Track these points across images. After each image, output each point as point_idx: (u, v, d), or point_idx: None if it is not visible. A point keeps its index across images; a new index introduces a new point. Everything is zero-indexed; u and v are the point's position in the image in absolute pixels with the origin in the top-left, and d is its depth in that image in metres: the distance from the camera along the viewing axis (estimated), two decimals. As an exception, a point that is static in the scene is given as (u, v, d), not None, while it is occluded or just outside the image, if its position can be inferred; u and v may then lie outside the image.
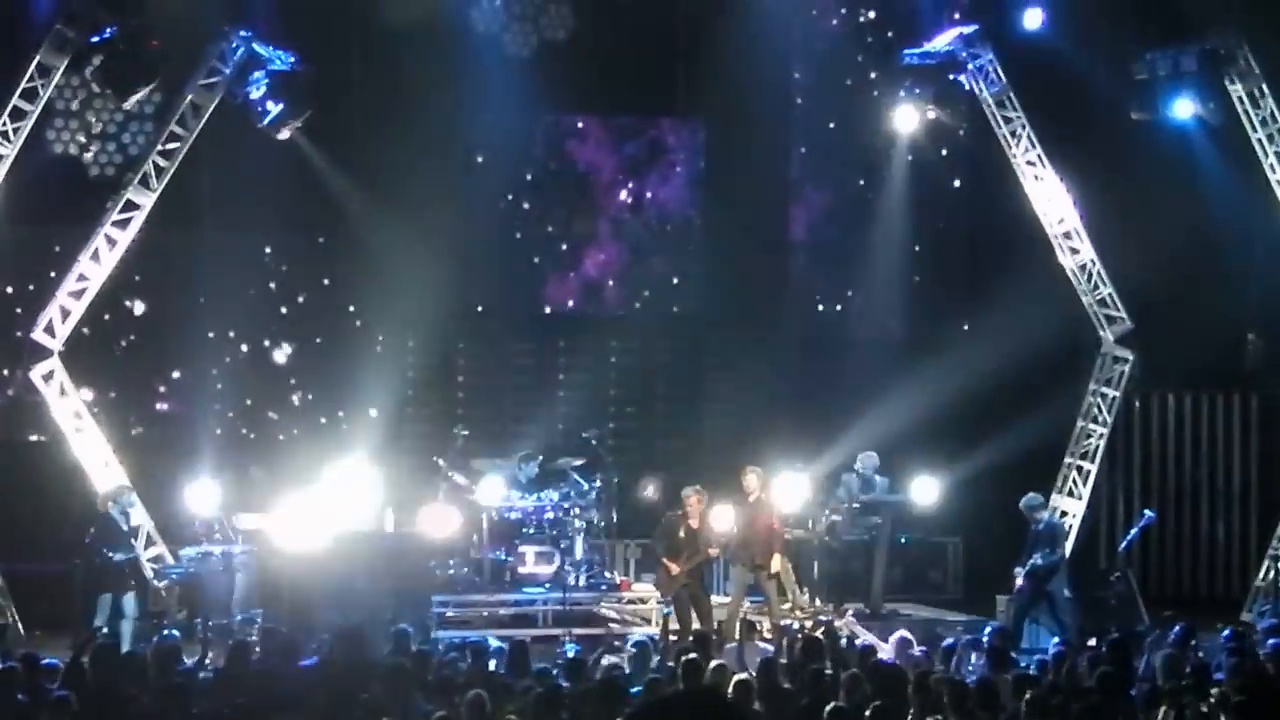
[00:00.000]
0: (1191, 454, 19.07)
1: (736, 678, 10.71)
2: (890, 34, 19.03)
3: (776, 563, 15.69)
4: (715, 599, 16.07)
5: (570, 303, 19.75)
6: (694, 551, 15.38)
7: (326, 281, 18.90)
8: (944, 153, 19.32)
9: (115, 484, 15.89)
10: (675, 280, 19.84)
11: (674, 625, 15.36)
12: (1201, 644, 12.67)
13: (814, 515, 17.08)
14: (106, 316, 17.47)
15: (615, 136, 19.73)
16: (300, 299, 18.88)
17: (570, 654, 12.16)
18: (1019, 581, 15.96)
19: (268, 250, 18.76)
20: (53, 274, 16.92)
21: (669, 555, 15.55)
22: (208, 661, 12.94)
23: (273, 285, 18.81)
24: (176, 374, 18.52)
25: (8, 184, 16.09)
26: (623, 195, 19.78)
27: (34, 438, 17.08)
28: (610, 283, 19.80)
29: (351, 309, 18.95)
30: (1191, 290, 18.14)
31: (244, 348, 18.64)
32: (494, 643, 12.67)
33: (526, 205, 19.47)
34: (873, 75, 19.19)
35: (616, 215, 19.83)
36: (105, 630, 13.79)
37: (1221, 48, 17.00)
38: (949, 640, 12.75)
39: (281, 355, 18.80)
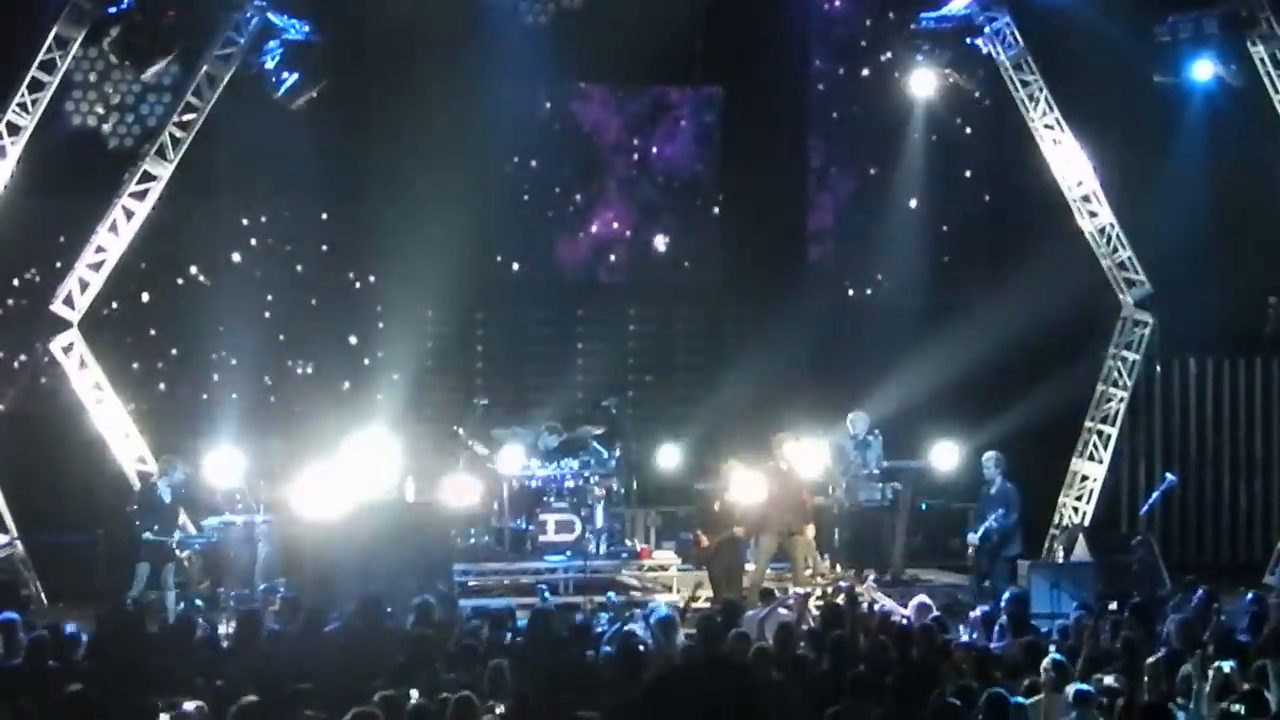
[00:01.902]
0: (1213, 418, 18.99)
1: (756, 645, 10.72)
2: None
3: (810, 529, 15.70)
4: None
5: (581, 263, 19.66)
6: (727, 524, 15.34)
7: (344, 251, 18.90)
8: (962, 117, 19.21)
9: (165, 457, 15.90)
10: (687, 242, 19.77)
11: (706, 592, 15.36)
12: (1224, 607, 12.64)
13: (833, 482, 17.07)
14: (133, 287, 17.44)
15: (620, 95, 19.64)
16: (317, 269, 18.88)
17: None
18: (971, 549, 15.95)
19: (286, 220, 18.76)
20: (70, 245, 16.95)
21: (702, 527, 15.54)
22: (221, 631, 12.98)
23: (290, 255, 18.81)
24: (195, 345, 18.54)
25: (26, 156, 16.10)
26: (629, 153, 19.71)
27: (54, 410, 17.12)
28: (620, 244, 19.74)
29: (370, 279, 18.96)
30: (1212, 253, 18.05)
31: (266, 316, 18.65)
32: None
33: (534, 163, 19.38)
34: (890, 39, 19.08)
35: (623, 174, 19.77)
36: (131, 601, 13.84)
37: (1243, 10, 16.88)
38: (979, 610, 12.77)
39: (300, 326, 18.81)
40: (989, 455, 16.33)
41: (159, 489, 15.35)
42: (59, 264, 16.98)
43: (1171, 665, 10.31)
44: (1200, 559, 18.36)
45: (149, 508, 15.24)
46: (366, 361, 18.81)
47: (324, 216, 18.81)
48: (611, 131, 19.71)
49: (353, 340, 18.95)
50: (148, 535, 14.99)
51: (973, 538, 16.11)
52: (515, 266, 19.46)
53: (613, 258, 19.81)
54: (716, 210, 19.93)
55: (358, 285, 18.99)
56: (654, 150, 19.82)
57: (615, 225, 19.76)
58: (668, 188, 19.84)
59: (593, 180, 19.71)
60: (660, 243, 19.85)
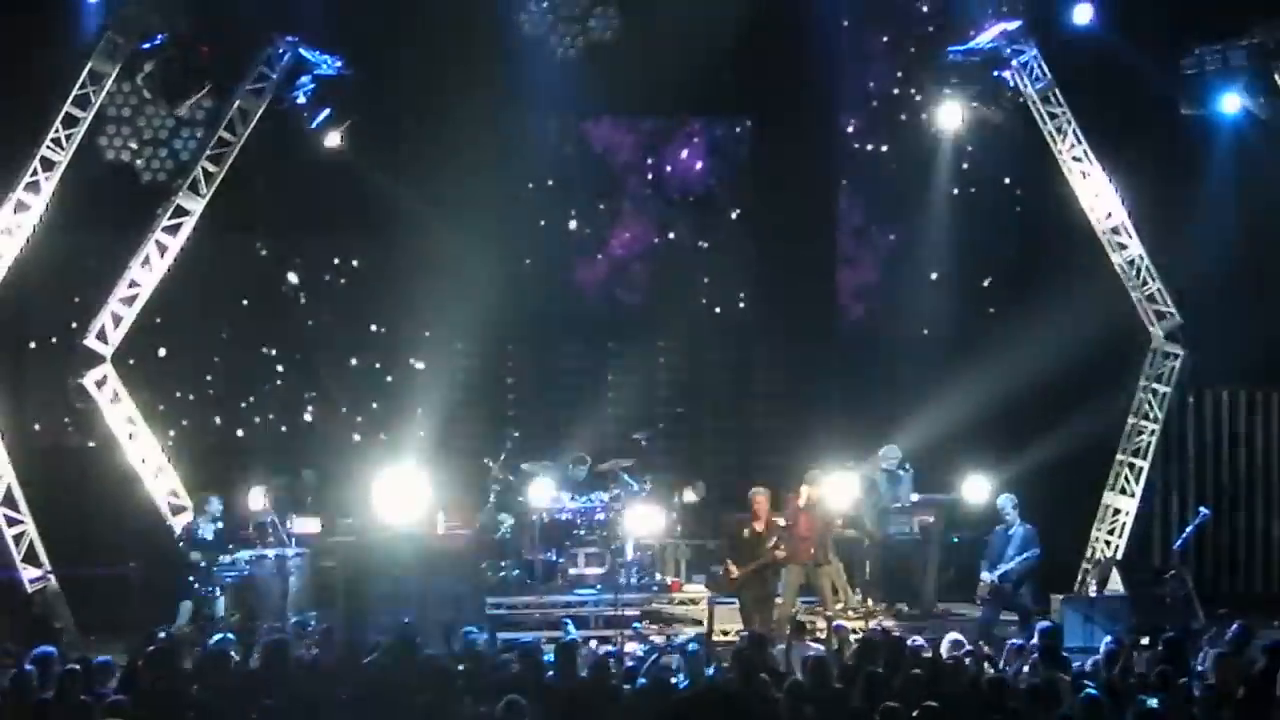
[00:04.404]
0: (1245, 450, 18.91)
1: (790, 679, 10.70)
2: (934, 29, 19.02)
3: (836, 562, 15.69)
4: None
5: (600, 286, 19.68)
6: (757, 554, 15.33)
7: (375, 284, 18.99)
8: (989, 150, 19.23)
9: (201, 495, 16.01)
10: (712, 267, 19.76)
11: (732, 625, 15.32)
12: (1258, 642, 12.55)
13: (863, 515, 17.04)
14: (158, 320, 17.55)
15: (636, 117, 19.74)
16: (348, 301, 18.97)
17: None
18: (985, 589, 15.89)
19: (316, 253, 18.87)
20: (103, 279, 17.05)
21: (730, 557, 15.53)
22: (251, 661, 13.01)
23: (321, 288, 18.91)
24: (228, 379, 18.63)
25: (60, 190, 16.22)
26: (643, 172, 19.79)
27: (87, 444, 17.21)
28: (638, 264, 19.76)
29: (400, 312, 19.03)
30: (1242, 286, 18.00)
31: (296, 354, 18.75)
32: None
33: (550, 183, 19.44)
34: (918, 71, 19.15)
35: (637, 191, 19.80)
36: (165, 634, 13.89)
37: (1271, 42, 16.86)
38: (1014, 641, 12.72)
39: (331, 358, 18.90)
40: (1005, 497, 16.27)
41: (200, 530, 15.47)
42: (92, 298, 17.09)
43: (1207, 700, 10.26)
44: (1234, 592, 18.25)
45: (193, 547, 15.36)
46: (397, 394, 18.86)
47: (355, 249, 18.91)
48: (625, 150, 19.79)
49: (383, 373, 19.01)
50: (195, 556, 15.05)
51: (990, 576, 15.99)
52: (542, 296, 19.48)
53: (632, 277, 19.81)
54: (745, 239, 19.94)
55: (388, 319, 19.06)
56: (668, 168, 19.86)
57: (634, 244, 19.79)
58: (684, 205, 19.86)
59: (609, 200, 19.75)
60: (675, 255, 19.81)
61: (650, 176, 19.90)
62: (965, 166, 19.34)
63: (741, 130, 19.95)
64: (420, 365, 18.89)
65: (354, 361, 18.97)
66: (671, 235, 19.89)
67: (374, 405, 18.93)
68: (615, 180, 19.80)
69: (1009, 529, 16.07)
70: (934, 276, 19.67)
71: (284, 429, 18.65)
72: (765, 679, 10.70)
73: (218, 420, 18.67)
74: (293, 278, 18.32)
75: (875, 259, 20.07)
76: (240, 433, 18.42)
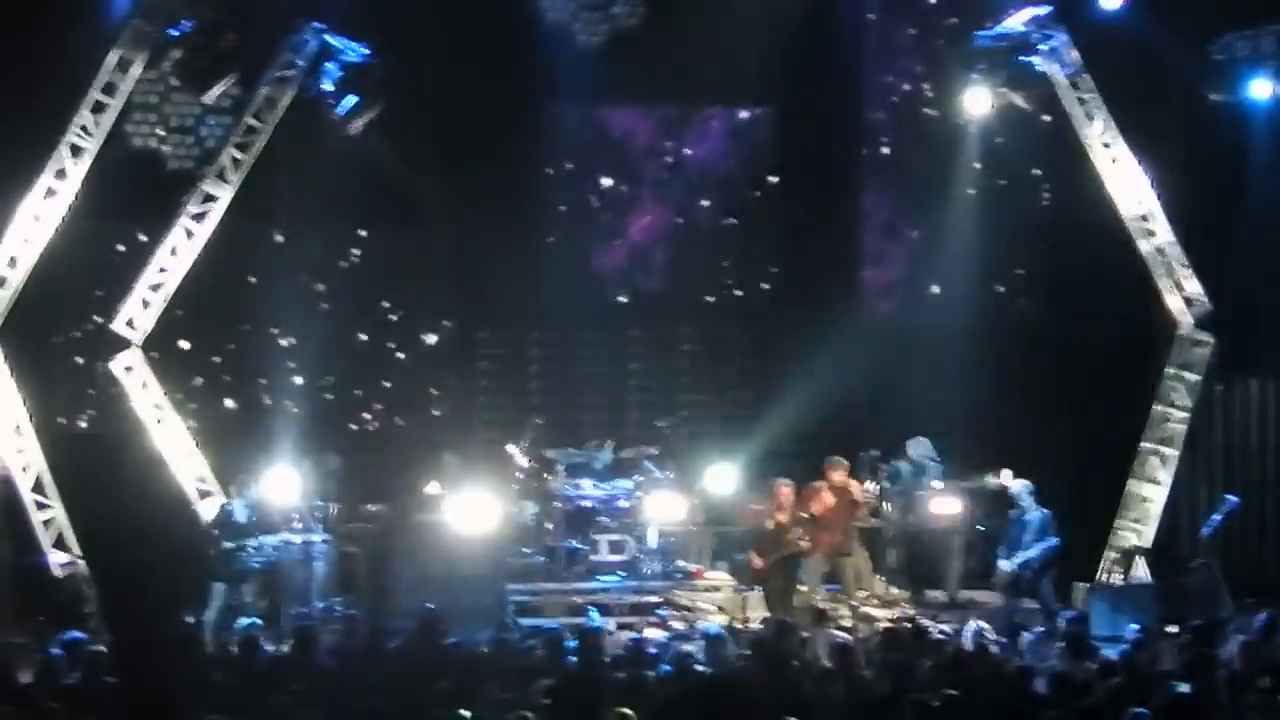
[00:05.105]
0: (1274, 439, 18.81)
1: (816, 666, 10.71)
2: (961, 16, 18.94)
3: (859, 551, 15.65)
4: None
5: (621, 272, 19.67)
6: (780, 544, 15.32)
7: (400, 272, 19.02)
8: (1016, 136, 19.14)
9: (240, 478, 16.04)
10: (734, 254, 19.73)
11: (758, 613, 15.33)
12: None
13: (888, 503, 17.02)
14: (179, 313, 17.61)
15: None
16: (373, 290, 19.01)
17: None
18: (1004, 577, 15.81)
19: (341, 240, 18.91)
20: (131, 265, 17.11)
21: (754, 547, 15.52)
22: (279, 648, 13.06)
23: (346, 277, 18.95)
24: (254, 363, 18.69)
25: (88, 178, 16.29)
26: (661, 155, 19.75)
27: (116, 430, 17.28)
28: (658, 250, 19.74)
29: (424, 298, 19.06)
30: (1273, 273, 17.89)
31: (320, 339, 18.79)
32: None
33: (570, 166, 19.42)
34: (945, 57, 19.07)
35: (656, 176, 19.78)
36: (191, 620, 13.96)
37: (1301, 28, 16.78)
38: (1037, 630, 12.68)
39: (356, 346, 18.95)
40: (1022, 483, 16.19)
41: (235, 511, 15.51)
42: (119, 285, 17.15)
43: (1233, 689, 10.22)
44: (1262, 581, 18.16)
45: (227, 530, 15.40)
46: (422, 380, 18.89)
47: (378, 236, 18.94)
48: (645, 135, 19.76)
49: (407, 360, 19.05)
50: (228, 547, 15.11)
51: (1008, 565, 15.93)
52: (564, 283, 19.48)
53: (652, 264, 19.80)
54: (767, 223, 19.91)
55: (411, 306, 19.09)
56: (688, 151, 19.82)
57: (653, 229, 19.78)
58: (702, 187, 19.83)
59: (627, 185, 19.74)
60: (695, 240, 19.76)
61: (670, 160, 19.87)
62: (992, 158, 19.23)
63: (762, 113, 19.90)
64: (431, 339, 18.89)
65: (378, 347, 18.99)
66: (691, 220, 19.85)
67: (398, 393, 18.96)
68: (635, 165, 19.77)
69: (1024, 514, 16.01)
70: (960, 267, 19.58)
71: (309, 415, 18.67)
72: (795, 665, 10.71)
73: (239, 405, 18.71)
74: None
75: (901, 250, 20.01)
76: (265, 416, 18.45)
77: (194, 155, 18.31)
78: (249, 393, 18.69)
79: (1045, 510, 16.00)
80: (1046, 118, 18.17)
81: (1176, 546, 17.91)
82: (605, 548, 16.83)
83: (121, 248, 17.60)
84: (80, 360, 17.63)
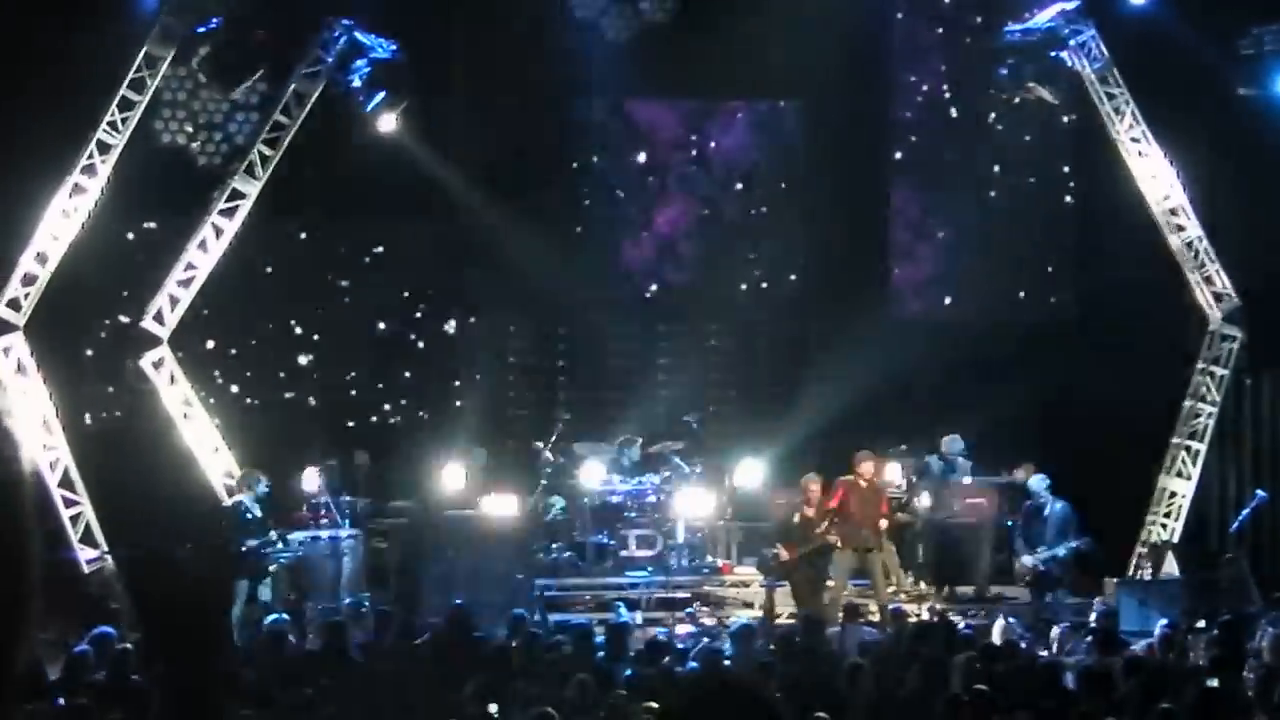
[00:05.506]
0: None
1: (849, 662, 10.69)
2: (988, 14, 18.88)
3: (888, 546, 15.64)
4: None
5: (649, 266, 19.66)
6: (808, 539, 15.30)
7: (427, 267, 19.06)
8: (1046, 131, 19.08)
9: (246, 470, 16.08)
10: (757, 239, 19.71)
11: (787, 608, 15.31)
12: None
13: (917, 498, 16.99)
14: (205, 312, 17.64)
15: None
16: (401, 285, 19.04)
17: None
18: (1027, 573, 15.71)
19: (369, 236, 18.95)
20: (159, 261, 17.16)
21: (782, 541, 15.51)
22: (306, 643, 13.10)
23: (374, 272, 18.99)
24: (281, 360, 18.75)
25: (116, 174, 16.34)
26: (688, 148, 19.75)
27: (144, 426, 17.34)
28: (685, 243, 19.73)
29: (453, 294, 19.09)
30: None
31: (347, 335, 18.83)
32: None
33: (596, 159, 19.43)
34: (974, 52, 19.02)
35: (683, 170, 19.77)
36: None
37: (1331, 21, 16.67)
38: (1066, 624, 12.64)
39: (384, 342, 18.99)
40: (1038, 478, 16.13)
41: (244, 505, 15.52)
42: (147, 281, 17.22)
43: (1262, 683, 10.18)
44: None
45: (239, 526, 15.42)
46: (449, 376, 18.93)
47: (405, 231, 18.97)
48: (670, 128, 19.76)
49: (434, 355, 19.07)
50: (250, 544, 15.15)
51: (1031, 560, 15.86)
52: (591, 277, 19.49)
53: (680, 257, 19.79)
54: (794, 216, 19.88)
55: (438, 301, 19.12)
56: (713, 144, 19.79)
57: (680, 223, 19.77)
58: (727, 181, 19.80)
59: (654, 178, 19.73)
60: (719, 232, 19.74)
61: (696, 153, 19.87)
62: (1020, 154, 19.15)
63: (788, 107, 19.86)
64: (450, 327, 18.89)
65: (406, 343, 19.02)
66: (719, 212, 19.83)
67: (426, 389, 18.99)
68: (662, 158, 19.77)
69: (1044, 508, 15.94)
70: (989, 264, 19.52)
71: (335, 411, 18.72)
72: (825, 660, 10.70)
73: (265, 403, 18.76)
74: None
75: (929, 248, 19.96)
76: (293, 414, 18.50)
77: (222, 152, 18.35)
78: (271, 388, 18.73)
79: (1065, 501, 15.93)
80: (1072, 117, 18.08)
81: (1205, 541, 17.83)
82: (633, 543, 16.83)
83: (149, 243, 17.64)
84: (109, 355, 17.69)
